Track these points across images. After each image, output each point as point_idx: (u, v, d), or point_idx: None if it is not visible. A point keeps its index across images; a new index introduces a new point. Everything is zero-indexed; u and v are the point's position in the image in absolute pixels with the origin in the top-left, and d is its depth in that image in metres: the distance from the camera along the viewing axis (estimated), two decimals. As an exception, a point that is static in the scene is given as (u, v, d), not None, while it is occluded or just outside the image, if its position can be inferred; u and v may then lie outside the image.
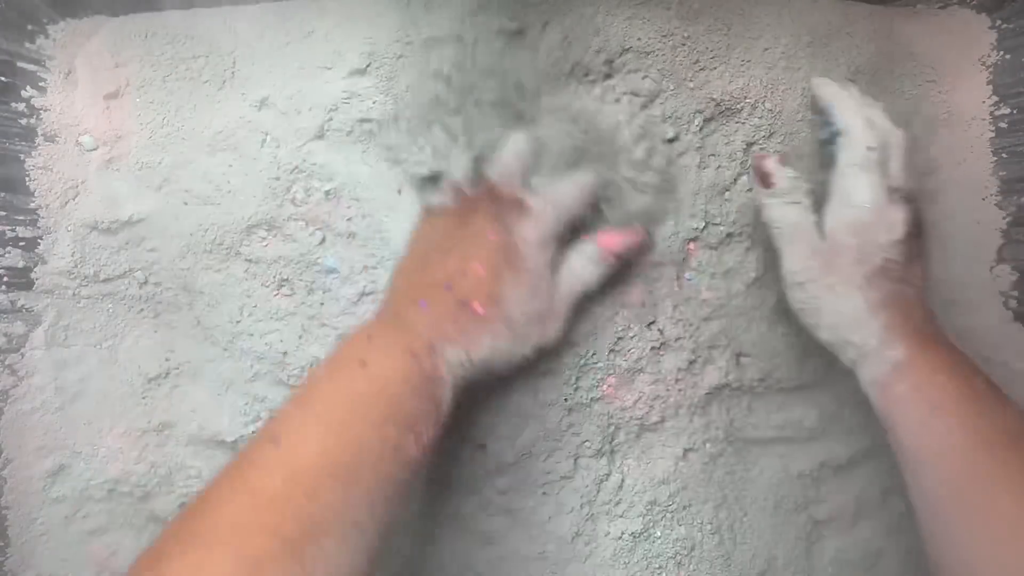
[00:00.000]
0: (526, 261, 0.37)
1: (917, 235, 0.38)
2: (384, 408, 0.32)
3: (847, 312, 0.37)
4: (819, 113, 0.42)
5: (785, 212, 0.39)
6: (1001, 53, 0.45)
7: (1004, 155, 0.45)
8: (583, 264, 0.40)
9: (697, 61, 0.43)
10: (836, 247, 0.38)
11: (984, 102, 0.45)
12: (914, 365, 0.35)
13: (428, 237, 0.39)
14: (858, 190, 0.38)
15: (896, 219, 0.37)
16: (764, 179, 0.40)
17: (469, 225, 0.38)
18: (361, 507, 0.29)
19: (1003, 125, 0.45)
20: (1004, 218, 0.46)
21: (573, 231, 0.41)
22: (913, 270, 0.38)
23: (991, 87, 0.45)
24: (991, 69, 0.45)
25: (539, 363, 0.42)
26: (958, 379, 0.35)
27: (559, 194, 0.40)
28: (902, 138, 0.39)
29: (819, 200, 0.40)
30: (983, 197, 0.46)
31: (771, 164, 0.40)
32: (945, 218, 0.46)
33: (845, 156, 0.39)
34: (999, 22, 0.45)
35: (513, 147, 0.40)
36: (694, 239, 0.44)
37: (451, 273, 0.36)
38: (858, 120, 0.39)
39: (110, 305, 0.46)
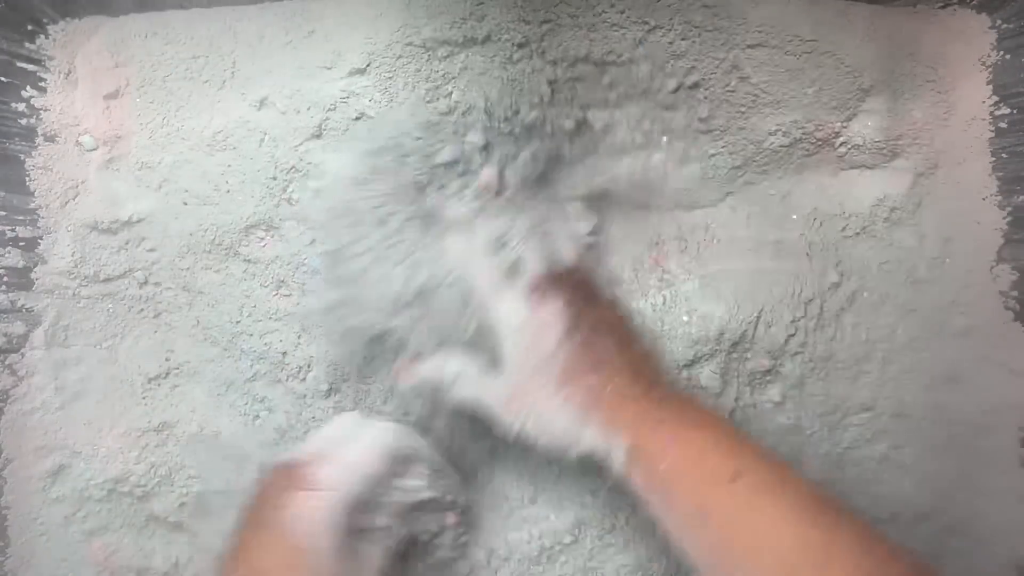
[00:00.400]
0: (305, 545, 0.34)
1: (584, 306, 0.37)
2: None
3: (560, 429, 0.36)
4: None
5: (465, 386, 0.38)
6: (1001, 53, 0.45)
7: (1004, 155, 0.45)
8: (374, 551, 0.37)
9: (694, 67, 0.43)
10: (521, 379, 0.37)
11: (984, 102, 0.45)
12: (640, 452, 0.34)
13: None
14: (504, 315, 0.37)
15: (547, 316, 0.37)
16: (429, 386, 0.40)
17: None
18: None
19: (1003, 125, 0.45)
20: (1004, 218, 0.45)
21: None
22: (598, 351, 0.37)
23: (991, 87, 0.45)
24: (991, 69, 0.45)
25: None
26: (685, 451, 0.33)
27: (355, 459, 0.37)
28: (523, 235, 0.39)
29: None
30: (983, 197, 0.46)
31: (405, 377, 0.40)
32: (945, 218, 0.46)
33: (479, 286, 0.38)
34: (999, 22, 0.45)
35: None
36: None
37: None
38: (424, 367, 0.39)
39: (110, 305, 0.46)
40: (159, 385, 0.46)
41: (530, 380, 0.37)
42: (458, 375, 0.39)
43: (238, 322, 0.45)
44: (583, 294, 0.39)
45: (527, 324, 0.37)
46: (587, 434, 0.35)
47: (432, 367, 0.40)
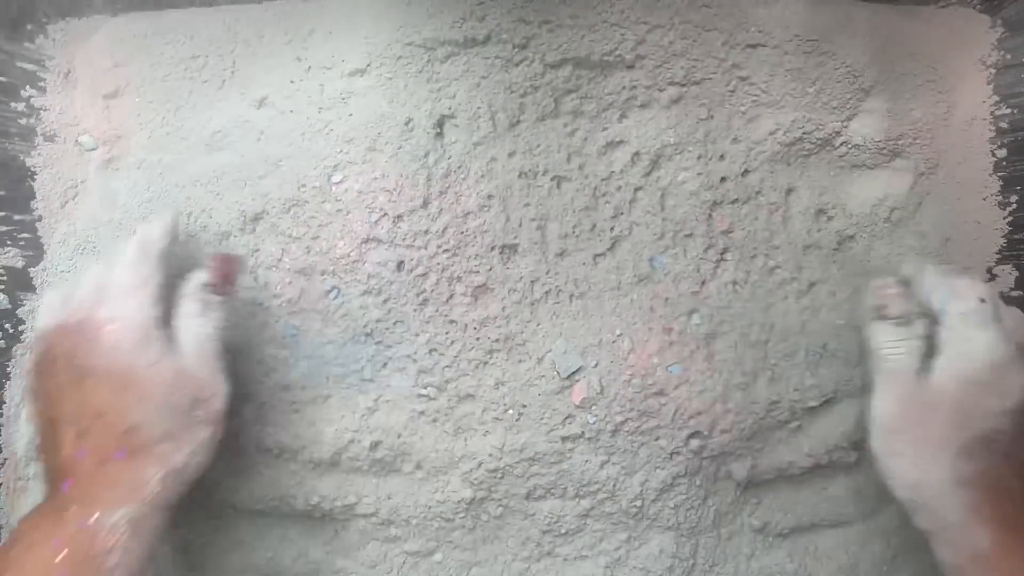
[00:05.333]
0: (133, 370, 0.33)
1: None
2: None
3: (931, 478, 0.34)
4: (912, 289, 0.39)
5: (894, 342, 0.36)
6: (1001, 53, 0.45)
7: (1004, 155, 0.45)
8: (191, 324, 0.35)
9: (694, 66, 0.43)
10: (938, 401, 0.34)
11: (984, 102, 0.45)
12: (998, 559, 0.31)
13: (38, 408, 0.35)
14: (977, 343, 0.34)
15: (1015, 384, 0.34)
16: (880, 307, 0.38)
17: (55, 377, 0.34)
18: None
19: (1003, 125, 0.45)
20: (1004, 218, 0.46)
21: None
22: (1019, 444, 0.34)
23: (991, 87, 0.45)
24: (991, 69, 0.45)
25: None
26: None
27: (126, 278, 0.35)
28: (997, 297, 0.36)
29: (929, 350, 0.37)
30: (983, 197, 0.46)
31: (891, 291, 0.38)
32: (945, 218, 0.46)
33: (955, 307, 0.35)
34: (999, 22, 0.45)
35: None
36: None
37: (73, 439, 0.33)
38: (957, 281, 0.36)
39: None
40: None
41: (946, 412, 0.34)
42: (913, 337, 0.36)
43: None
44: None
45: (994, 371, 0.33)
46: (955, 501, 0.33)
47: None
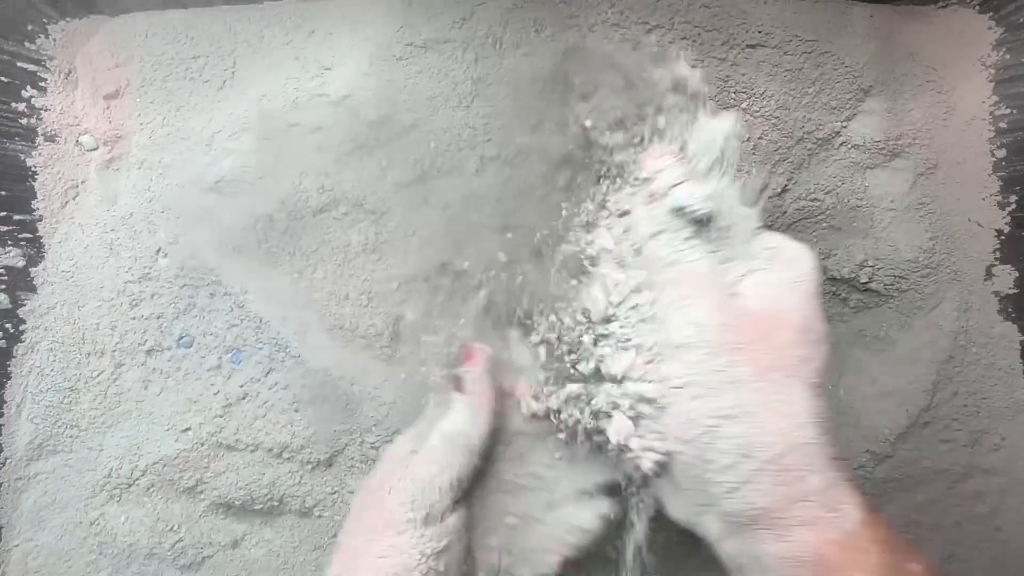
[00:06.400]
0: None
1: None
2: None
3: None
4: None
5: None
6: (1001, 53, 0.45)
7: (1004, 155, 0.45)
8: None
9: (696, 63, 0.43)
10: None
11: (984, 102, 0.45)
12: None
13: None
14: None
15: None
16: None
17: None
18: None
19: (1003, 125, 0.45)
20: (1004, 218, 0.46)
21: None
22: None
23: (991, 87, 0.45)
24: (991, 69, 0.45)
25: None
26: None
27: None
28: None
29: None
30: (983, 197, 0.46)
31: None
32: (945, 218, 0.46)
33: None
34: (999, 22, 0.45)
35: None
36: None
37: None
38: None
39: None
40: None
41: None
42: None
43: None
44: None
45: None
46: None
47: None
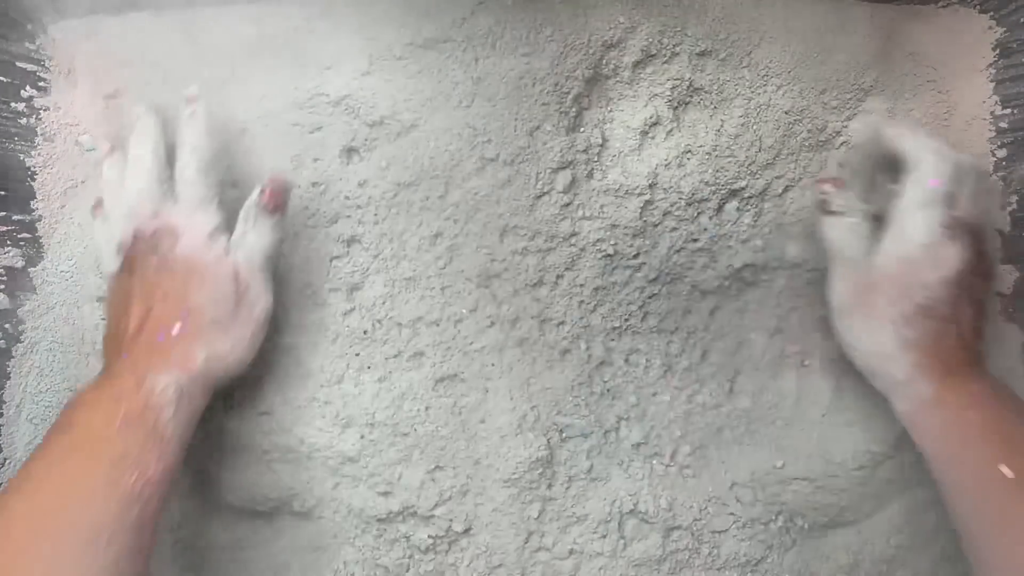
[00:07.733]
0: (199, 264, 0.38)
1: (975, 272, 0.38)
2: (86, 459, 0.33)
3: (879, 345, 0.38)
4: (885, 153, 0.41)
5: (840, 234, 0.40)
6: (1002, 53, 0.45)
7: (1004, 155, 0.45)
8: (250, 232, 0.40)
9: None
10: (879, 280, 0.38)
11: (984, 102, 0.45)
12: (943, 402, 0.36)
13: (112, 300, 0.40)
14: (914, 226, 0.37)
15: (949, 255, 0.37)
16: (822, 203, 0.41)
17: (135, 272, 0.39)
18: (80, 554, 0.31)
19: (1003, 125, 0.45)
20: (1004, 218, 0.45)
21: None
22: (962, 309, 0.38)
23: (992, 87, 0.45)
24: (992, 69, 0.45)
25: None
26: (989, 415, 0.36)
27: (196, 192, 0.39)
28: (973, 167, 0.38)
29: (879, 227, 0.40)
30: (983, 197, 0.46)
31: (827, 187, 0.41)
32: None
33: (911, 191, 0.38)
34: (1000, 22, 0.45)
35: (133, 187, 0.40)
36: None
37: (139, 317, 0.38)
38: (928, 154, 0.38)
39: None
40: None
41: (886, 289, 0.38)
42: (855, 227, 0.40)
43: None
44: (984, 263, 0.39)
45: (927, 248, 0.37)
46: (901, 362, 0.37)
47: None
